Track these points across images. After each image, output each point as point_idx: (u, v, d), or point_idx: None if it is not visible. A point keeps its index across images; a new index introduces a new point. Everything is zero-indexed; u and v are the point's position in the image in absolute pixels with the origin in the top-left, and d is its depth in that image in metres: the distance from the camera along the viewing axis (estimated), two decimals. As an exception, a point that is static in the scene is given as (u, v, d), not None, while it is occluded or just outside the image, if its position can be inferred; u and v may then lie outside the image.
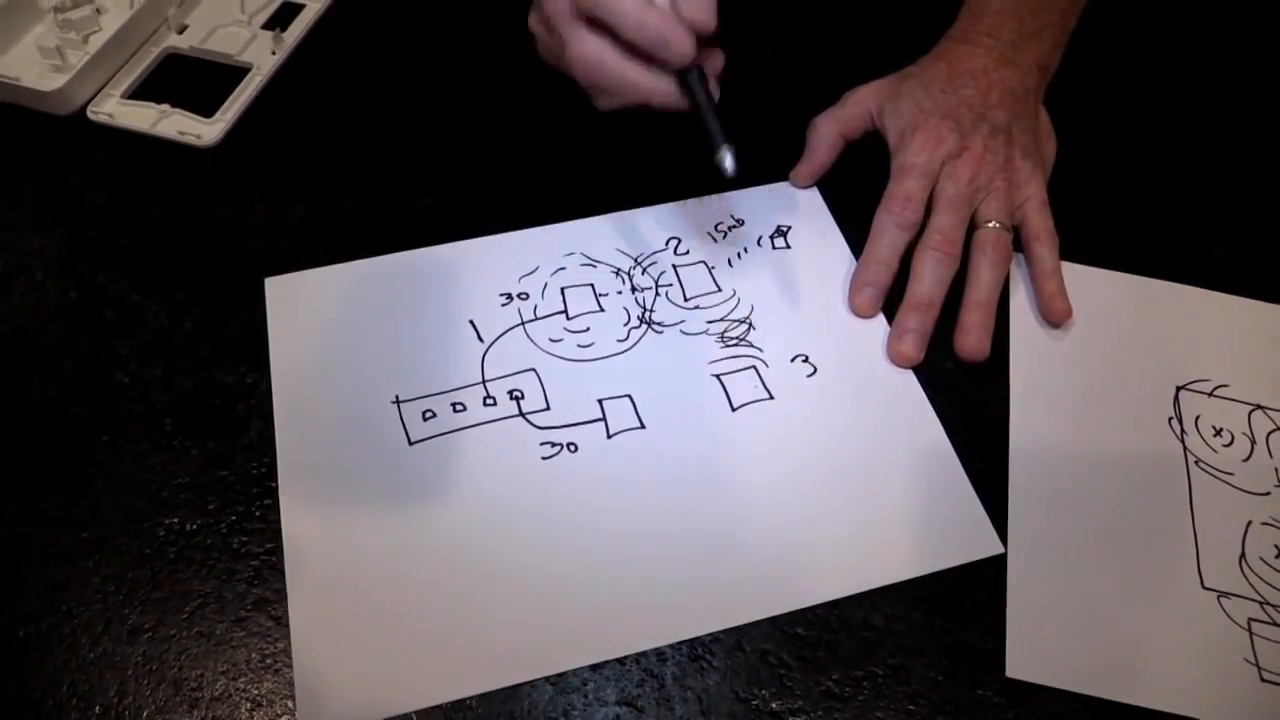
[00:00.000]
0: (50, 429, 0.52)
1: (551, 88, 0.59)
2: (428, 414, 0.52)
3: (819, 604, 0.47)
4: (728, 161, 0.51)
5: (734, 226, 0.61)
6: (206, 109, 0.66)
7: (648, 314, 0.56)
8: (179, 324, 0.56)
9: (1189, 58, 0.72)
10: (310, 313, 0.56)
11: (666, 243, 0.60)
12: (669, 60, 0.50)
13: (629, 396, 0.53)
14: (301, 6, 0.72)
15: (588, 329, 0.56)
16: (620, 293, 0.57)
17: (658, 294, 0.57)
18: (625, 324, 0.56)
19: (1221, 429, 0.53)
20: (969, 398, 0.54)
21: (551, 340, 0.55)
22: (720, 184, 0.62)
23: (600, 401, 0.53)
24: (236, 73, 0.68)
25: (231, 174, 0.63)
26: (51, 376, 0.54)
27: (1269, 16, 0.75)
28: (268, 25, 0.71)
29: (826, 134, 0.62)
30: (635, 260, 0.59)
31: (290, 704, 0.44)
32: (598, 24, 0.50)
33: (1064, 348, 0.56)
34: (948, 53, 0.61)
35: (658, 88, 0.51)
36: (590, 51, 0.50)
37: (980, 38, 0.60)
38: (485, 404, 0.53)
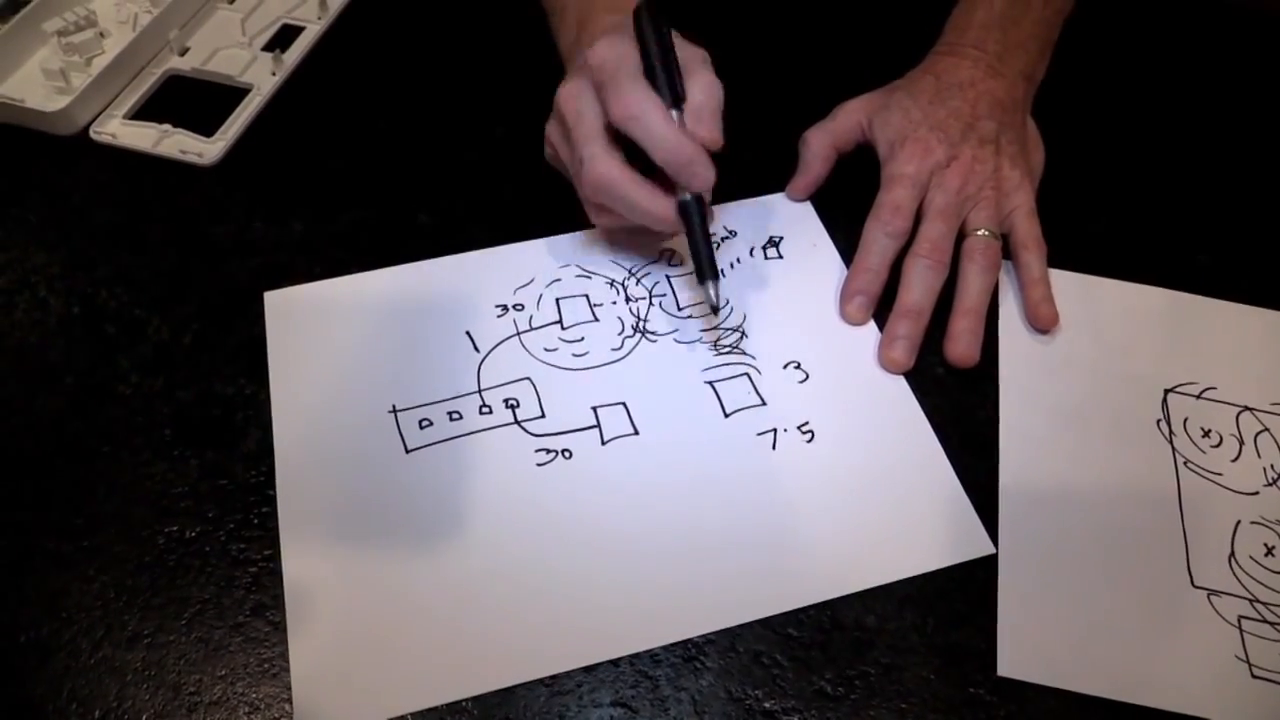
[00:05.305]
0: (52, 440, 0.53)
1: (545, 106, 0.60)
2: (424, 422, 0.53)
3: (812, 605, 0.47)
4: (713, 294, 0.54)
5: (727, 238, 0.61)
6: (207, 129, 0.67)
7: (642, 323, 0.57)
8: (179, 338, 0.57)
9: (1175, 68, 0.73)
10: (308, 325, 0.57)
11: (660, 254, 0.60)
12: (689, 186, 0.52)
13: (623, 404, 0.54)
14: (301, 29, 0.74)
15: (582, 339, 0.56)
16: (614, 303, 0.58)
17: (651, 304, 0.58)
18: (619, 333, 0.57)
19: (1210, 430, 0.53)
20: (959, 402, 0.54)
21: (546, 350, 0.56)
22: (714, 197, 0.63)
23: (595, 409, 0.54)
24: (237, 93, 0.69)
25: (231, 192, 0.64)
26: (54, 389, 0.55)
27: (1252, 27, 0.76)
28: (268, 47, 0.72)
29: (819, 147, 0.62)
30: (629, 271, 0.60)
31: (288, 708, 0.44)
32: (617, 144, 0.52)
33: (1053, 352, 0.56)
34: (935, 65, 0.62)
35: (660, 215, 0.53)
36: (606, 174, 0.52)
37: (967, 50, 0.61)
38: (481, 412, 0.53)
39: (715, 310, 0.55)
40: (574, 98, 0.53)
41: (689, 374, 0.55)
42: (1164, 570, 0.48)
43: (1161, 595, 0.48)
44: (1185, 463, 0.52)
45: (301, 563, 0.48)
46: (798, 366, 0.55)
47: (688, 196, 0.53)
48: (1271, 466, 0.52)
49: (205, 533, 0.49)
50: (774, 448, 0.52)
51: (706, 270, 0.54)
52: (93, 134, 0.66)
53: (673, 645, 0.46)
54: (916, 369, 0.55)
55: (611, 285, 0.59)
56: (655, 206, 0.52)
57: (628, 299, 0.58)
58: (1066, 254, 0.60)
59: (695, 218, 0.53)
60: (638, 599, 0.47)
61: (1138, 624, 0.47)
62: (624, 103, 0.51)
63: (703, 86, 0.53)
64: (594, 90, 0.52)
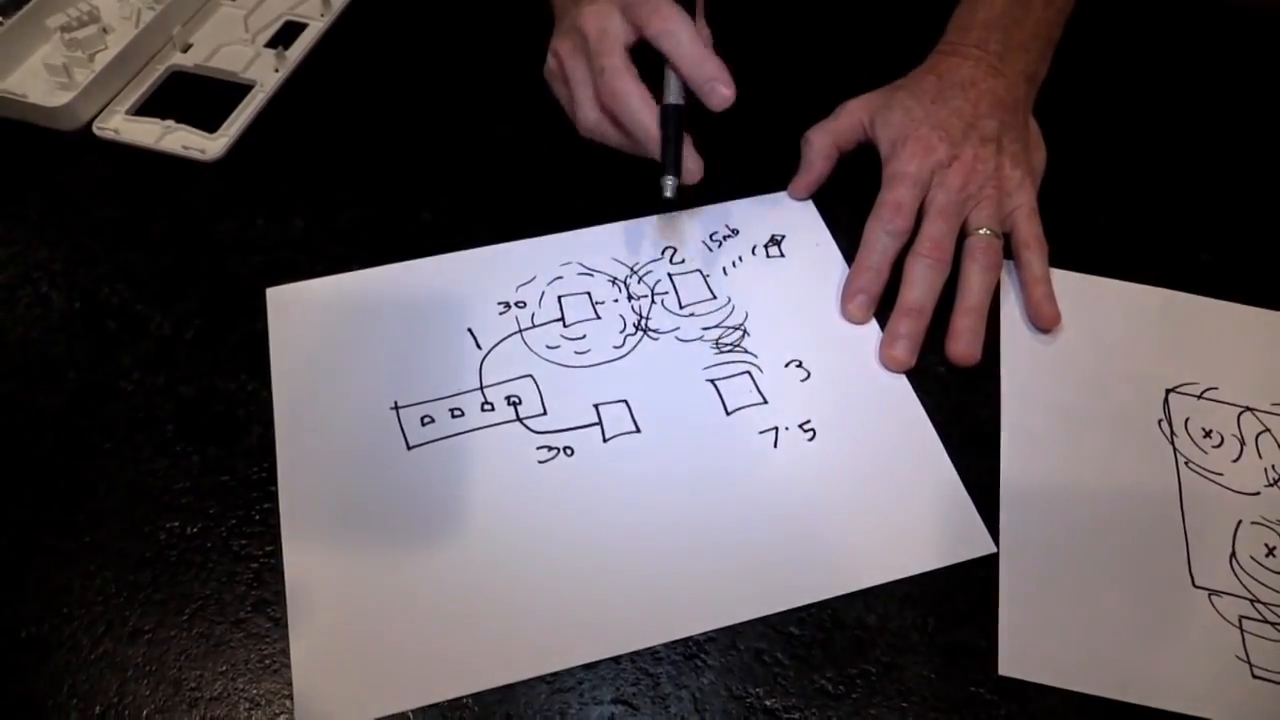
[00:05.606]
0: (54, 436, 0.53)
1: (545, 105, 0.60)
2: (426, 419, 0.53)
3: (813, 603, 0.47)
4: (668, 189, 0.55)
5: (729, 236, 0.61)
6: (210, 125, 0.67)
7: (644, 321, 0.57)
8: (181, 334, 0.57)
9: (1175, 68, 0.73)
10: (311, 322, 0.57)
11: (662, 252, 0.60)
12: (709, 102, 0.55)
13: (625, 401, 0.54)
14: (304, 25, 0.74)
15: (584, 336, 0.56)
16: (617, 301, 0.58)
17: (653, 302, 0.58)
18: (621, 331, 0.57)
19: (1211, 430, 0.53)
20: (961, 401, 0.54)
21: (549, 347, 0.56)
22: (716, 196, 0.63)
23: (596, 406, 0.54)
24: (240, 90, 0.69)
25: (234, 188, 0.64)
26: (56, 385, 0.55)
27: (1252, 27, 0.76)
28: (271, 43, 0.72)
29: (821, 146, 0.62)
30: (631, 269, 0.60)
31: (288, 703, 0.44)
32: (633, 59, 0.56)
33: (1054, 352, 0.56)
34: (937, 65, 0.62)
35: (654, 134, 0.55)
36: (624, 86, 0.55)
37: (969, 50, 0.61)
38: (483, 409, 0.53)
39: (666, 197, 0.56)
40: (599, 15, 0.56)
41: (691, 372, 0.55)
42: (1165, 570, 0.48)
43: (1162, 595, 0.48)
44: (1186, 463, 0.52)
45: (302, 559, 0.48)
46: (799, 365, 0.55)
47: (671, 102, 0.56)
48: (1273, 467, 0.52)
49: (206, 529, 0.49)
50: (775, 446, 0.52)
51: (669, 165, 0.55)
52: (95, 130, 0.66)
53: (674, 643, 0.46)
54: (918, 368, 0.55)
55: (613, 283, 0.59)
56: (653, 125, 0.55)
57: (630, 296, 0.58)
58: (1068, 254, 0.60)
59: (672, 121, 0.55)
60: (639, 596, 0.47)
61: (1138, 623, 0.47)
62: (661, 16, 0.54)
63: (699, 27, 0.58)
64: (620, 12, 0.56)
